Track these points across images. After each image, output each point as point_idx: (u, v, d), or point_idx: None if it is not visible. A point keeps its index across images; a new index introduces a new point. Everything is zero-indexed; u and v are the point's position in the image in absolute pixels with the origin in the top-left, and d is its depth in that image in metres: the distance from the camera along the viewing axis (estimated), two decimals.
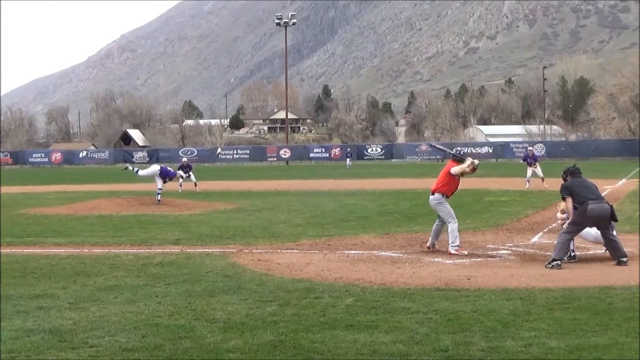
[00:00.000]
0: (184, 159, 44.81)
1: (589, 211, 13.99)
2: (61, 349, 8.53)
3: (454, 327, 9.20)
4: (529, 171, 39.05)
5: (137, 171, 33.07)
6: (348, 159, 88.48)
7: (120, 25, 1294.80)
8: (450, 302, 10.67)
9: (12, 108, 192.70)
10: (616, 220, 14.61)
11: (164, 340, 8.83)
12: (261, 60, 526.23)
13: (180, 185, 40.58)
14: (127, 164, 40.27)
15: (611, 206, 14.40)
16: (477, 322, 9.43)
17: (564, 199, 14.58)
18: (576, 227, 14.23)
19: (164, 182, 31.92)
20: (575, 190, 14.37)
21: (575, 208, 14.28)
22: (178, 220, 24.48)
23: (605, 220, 14.19)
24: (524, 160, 41.08)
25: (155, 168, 32.73)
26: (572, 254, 14.58)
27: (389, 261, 14.92)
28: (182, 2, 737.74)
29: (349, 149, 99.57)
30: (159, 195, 30.76)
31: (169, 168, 33.43)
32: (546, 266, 13.81)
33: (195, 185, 41.51)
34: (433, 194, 16.42)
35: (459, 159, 16.45)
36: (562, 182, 15.05)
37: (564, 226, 14.52)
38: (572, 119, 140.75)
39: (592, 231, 14.74)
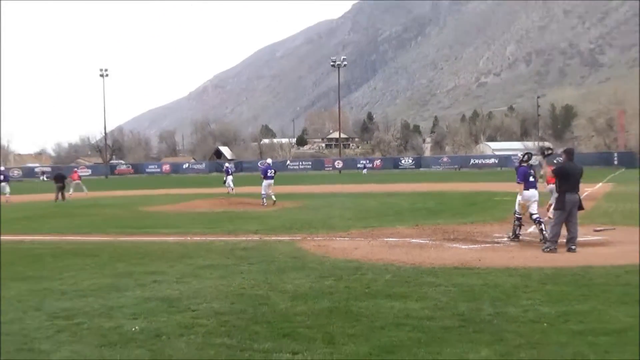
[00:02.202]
0: (227, 164, 45.53)
1: (567, 201, 13.75)
2: (170, 312, 8.65)
3: (468, 297, 9.16)
4: None
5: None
6: (365, 169, 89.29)
7: (213, 67, 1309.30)
8: (465, 278, 10.60)
9: (133, 131, 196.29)
10: (582, 209, 14.28)
11: (247, 306, 8.90)
12: (320, 94, 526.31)
13: (232, 189, 41.12)
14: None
15: (579, 197, 14.13)
16: (486, 293, 9.37)
17: (553, 176, 14.60)
18: (561, 212, 13.87)
19: (271, 176, 30.08)
20: (566, 177, 13.97)
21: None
22: (257, 215, 24.62)
23: (575, 209, 13.90)
24: None
25: (264, 182, 29.95)
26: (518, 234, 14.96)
27: (418, 246, 14.82)
28: (259, 50, 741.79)
29: (361, 162, 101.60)
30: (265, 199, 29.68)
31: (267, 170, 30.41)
32: (544, 250, 13.61)
33: (232, 189, 41.31)
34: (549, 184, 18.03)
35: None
36: (561, 158, 14.61)
37: (549, 215, 14.31)
38: (560, 136, 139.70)
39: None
